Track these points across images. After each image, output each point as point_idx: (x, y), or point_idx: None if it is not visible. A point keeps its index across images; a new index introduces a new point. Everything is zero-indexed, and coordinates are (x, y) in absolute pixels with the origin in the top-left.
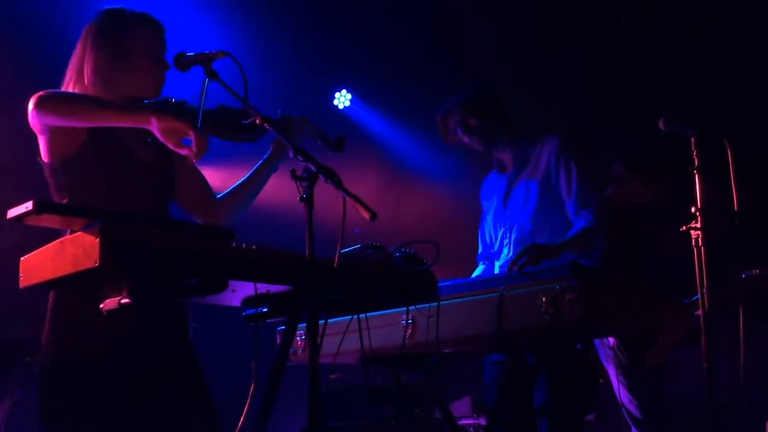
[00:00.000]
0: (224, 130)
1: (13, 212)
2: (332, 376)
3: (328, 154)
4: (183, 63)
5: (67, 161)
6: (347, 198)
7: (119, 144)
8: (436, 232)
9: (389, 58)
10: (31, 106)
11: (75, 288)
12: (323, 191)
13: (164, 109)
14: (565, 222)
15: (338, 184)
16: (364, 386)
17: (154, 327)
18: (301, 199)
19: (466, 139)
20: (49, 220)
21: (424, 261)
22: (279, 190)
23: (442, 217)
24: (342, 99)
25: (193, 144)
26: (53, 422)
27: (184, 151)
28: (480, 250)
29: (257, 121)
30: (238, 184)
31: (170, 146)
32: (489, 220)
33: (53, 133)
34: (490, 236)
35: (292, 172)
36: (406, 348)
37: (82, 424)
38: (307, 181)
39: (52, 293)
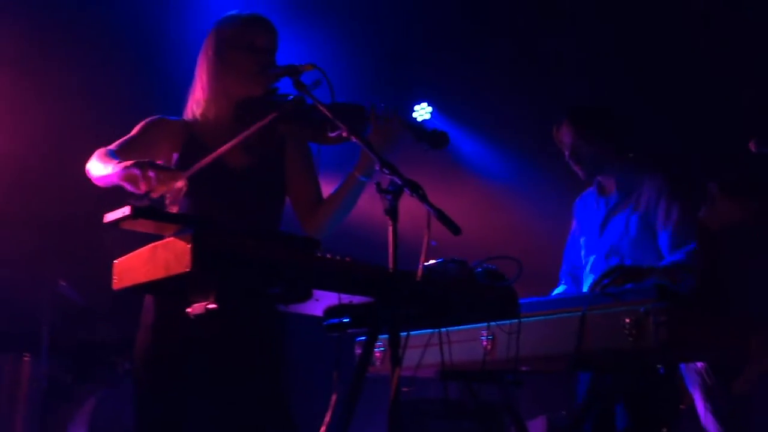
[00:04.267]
0: (308, 132)
1: (110, 217)
2: (405, 389)
3: (412, 159)
4: (272, 75)
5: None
6: (431, 212)
7: (212, 152)
8: (518, 249)
9: (471, 70)
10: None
11: (165, 292)
12: (405, 204)
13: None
14: (658, 259)
15: (423, 198)
16: (439, 400)
17: (244, 332)
18: (386, 212)
19: (572, 165)
20: (143, 225)
21: (506, 277)
22: (362, 202)
23: (525, 234)
24: (422, 112)
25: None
26: (145, 419)
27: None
28: (564, 266)
29: (344, 134)
30: (328, 197)
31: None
32: (582, 243)
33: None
34: (579, 257)
35: (378, 185)
36: (485, 364)
37: (170, 422)
38: (392, 194)
39: (146, 298)
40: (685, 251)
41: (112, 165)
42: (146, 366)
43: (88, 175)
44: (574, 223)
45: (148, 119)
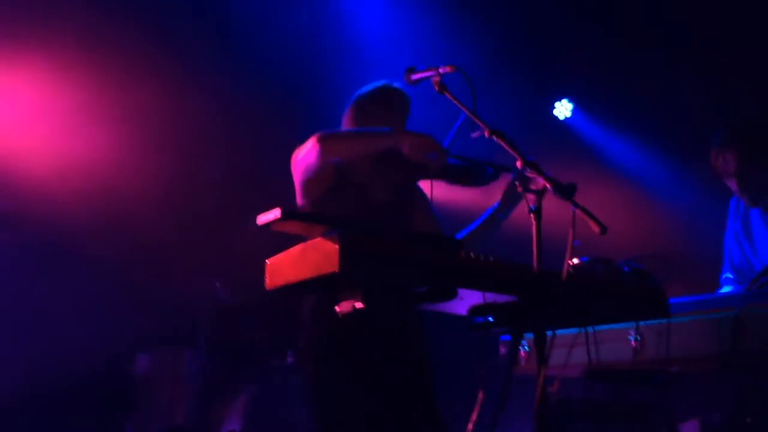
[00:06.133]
0: (454, 178)
1: (262, 219)
2: (550, 389)
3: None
4: (413, 78)
5: (316, 202)
6: (576, 210)
7: (359, 186)
8: (665, 247)
9: (612, 64)
10: (313, 145)
11: (313, 292)
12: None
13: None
14: None
15: (567, 197)
16: (586, 401)
17: (394, 330)
18: (530, 211)
19: (733, 187)
20: (293, 227)
21: (654, 276)
22: None
23: (672, 232)
24: (563, 109)
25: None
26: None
27: (427, 158)
28: (725, 273)
29: (486, 134)
30: (468, 234)
31: (415, 158)
32: (745, 255)
33: (308, 179)
34: (740, 258)
35: (522, 185)
36: (634, 364)
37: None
38: (536, 193)
39: (310, 297)
40: None
41: (383, 132)
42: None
43: (326, 143)
44: (729, 223)
45: None
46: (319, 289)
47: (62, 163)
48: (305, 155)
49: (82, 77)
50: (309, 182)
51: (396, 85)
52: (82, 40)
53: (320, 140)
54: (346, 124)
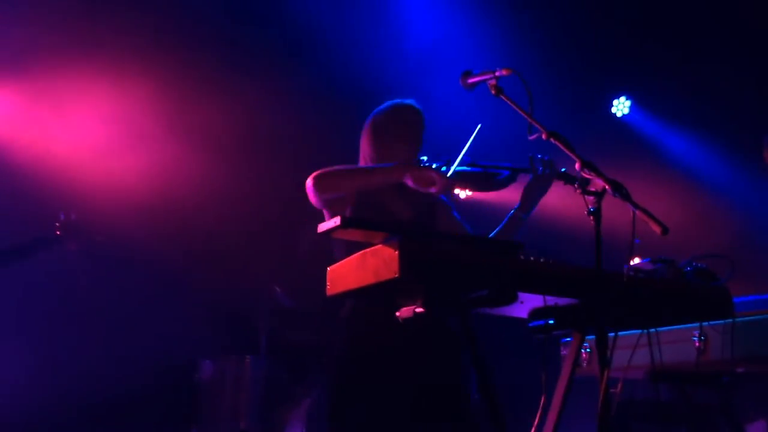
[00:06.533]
0: (470, 185)
1: (323, 227)
2: (612, 390)
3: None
4: (469, 82)
5: None
6: (636, 211)
7: (381, 205)
8: (728, 246)
9: (669, 60)
10: (309, 184)
11: (374, 298)
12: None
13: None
14: None
15: (627, 197)
16: (650, 403)
17: (427, 346)
18: (589, 212)
19: None
20: (352, 234)
21: (718, 276)
22: (562, 202)
23: (735, 231)
24: (621, 106)
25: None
26: (337, 420)
27: (432, 189)
28: None
29: (543, 137)
30: (494, 234)
31: (421, 190)
32: None
33: (330, 206)
34: None
35: (581, 186)
36: (698, 365)
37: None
38: (595, 195)
39: (347, 304)
40: None
41: (385, 167)
42: (341, 370)
43: (321, 183)
44: None
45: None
46: (379, 296)
47: (131, 176)
48: (309, 195)
49: (147, 95)
50: (331, 203)
51: (408, 102)
52: (145, 56)
53: (315, 181)
54: (363, 144)
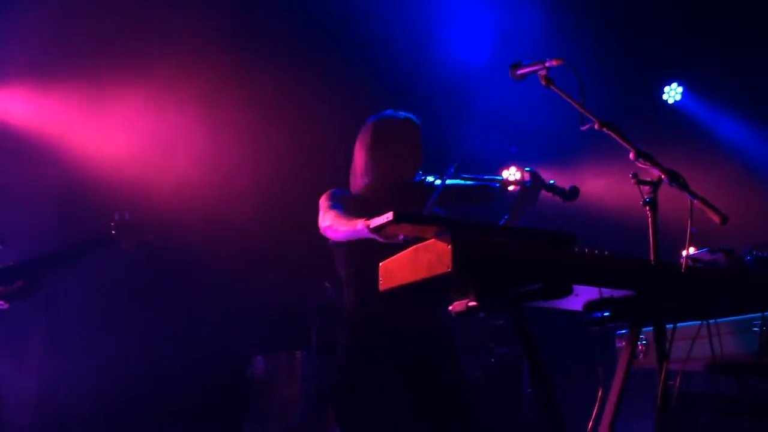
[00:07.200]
0: (458, 200)
1: (376, 221)
2: (670, 383)
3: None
4: (518, 74)
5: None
6: (694, 201)
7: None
8: None
9: (721, 45)
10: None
11: (427, 293)
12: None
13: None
14: None
15: (684, 187)
16: (708, 395)
17: (424, 349)
18: (645, 203)
19: None
20: (405, 229)
21: None
22: (617, 193)
23: None
24: (672, 93)
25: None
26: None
27: (400, 238)
28: None
29: (596, 127)
30: None
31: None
32: None
33: None
34: None
35: (636, 177)
36: (760, 356)
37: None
38: (651, 185)
39: (348, 305)
40: None
41: (358, 225)
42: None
43: (328, 233)
44: None
45: (334, 191)
46: (433, 290)
47: (184, 176)
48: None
49: (200, 95)
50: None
51: (404, 115)
52: (200, 54)
53: (323, 232)
54: (356, 153)
